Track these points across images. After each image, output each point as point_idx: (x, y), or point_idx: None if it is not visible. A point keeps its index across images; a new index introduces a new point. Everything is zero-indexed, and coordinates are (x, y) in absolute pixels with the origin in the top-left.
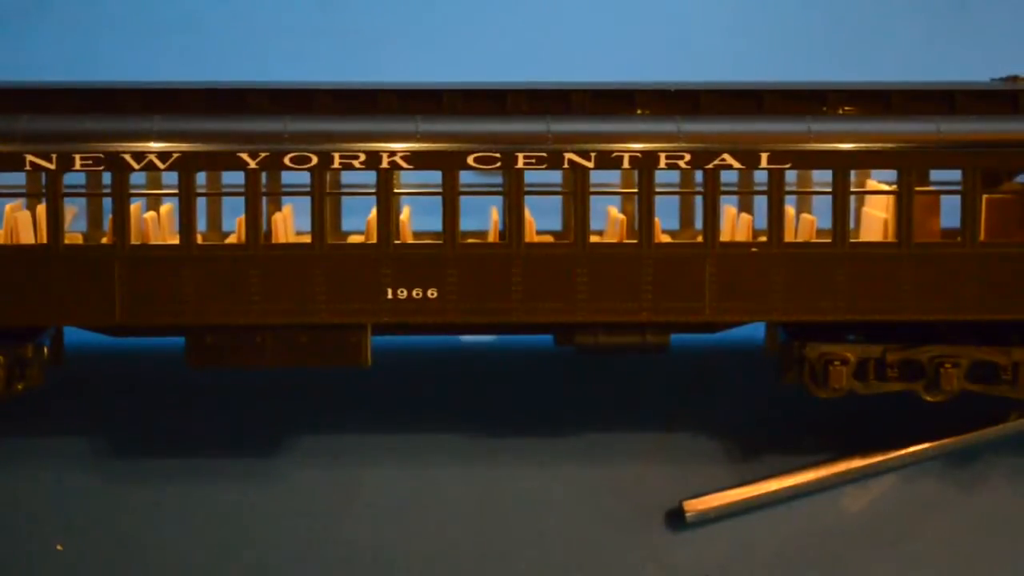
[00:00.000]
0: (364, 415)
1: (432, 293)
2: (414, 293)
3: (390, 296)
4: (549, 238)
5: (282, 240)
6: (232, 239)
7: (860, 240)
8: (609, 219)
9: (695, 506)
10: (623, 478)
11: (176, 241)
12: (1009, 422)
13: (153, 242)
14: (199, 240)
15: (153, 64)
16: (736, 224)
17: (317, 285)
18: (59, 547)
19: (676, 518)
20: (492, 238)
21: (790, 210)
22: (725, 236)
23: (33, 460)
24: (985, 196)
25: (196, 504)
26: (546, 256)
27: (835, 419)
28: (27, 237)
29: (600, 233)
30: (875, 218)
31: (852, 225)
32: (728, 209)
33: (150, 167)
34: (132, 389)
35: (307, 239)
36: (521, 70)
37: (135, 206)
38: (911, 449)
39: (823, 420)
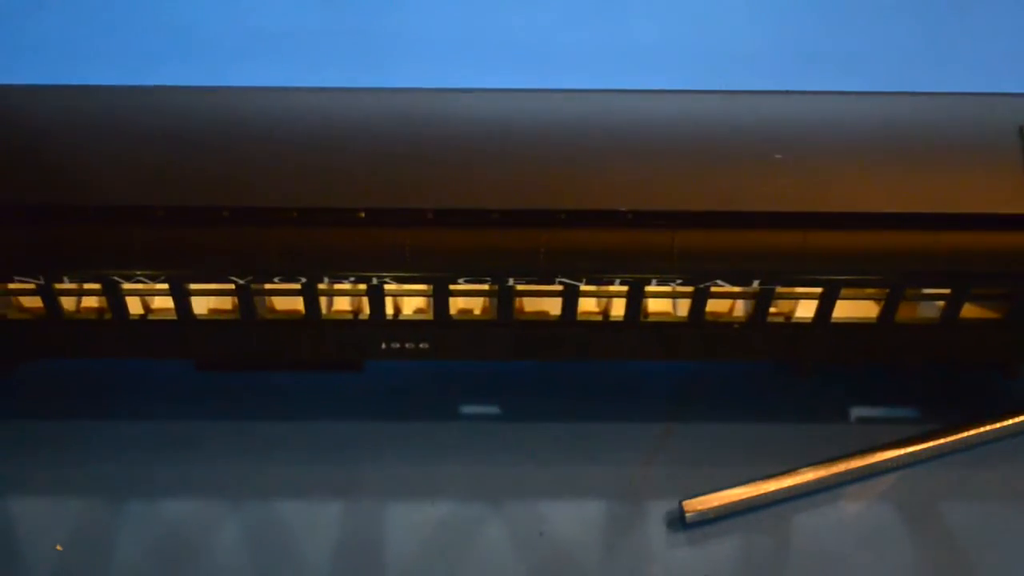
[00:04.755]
0: (361, 414)
1: (424, 346)
2: (407, 346)
3: (384, 348)
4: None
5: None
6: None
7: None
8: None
9: (695, 506)
10: (623, 478)
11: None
12: (1009, 422)
13: (153, 317)
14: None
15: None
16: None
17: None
18: (58, 547)
19: (676, 518)
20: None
21: None
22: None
23: (32, 459)
24: None
25: (196, 501)
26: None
27: (835, 419)
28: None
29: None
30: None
31: None
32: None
33: (140, 283)
34: (133, 387)
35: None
36: None
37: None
38: (911, 449)
39: (823, 420)
